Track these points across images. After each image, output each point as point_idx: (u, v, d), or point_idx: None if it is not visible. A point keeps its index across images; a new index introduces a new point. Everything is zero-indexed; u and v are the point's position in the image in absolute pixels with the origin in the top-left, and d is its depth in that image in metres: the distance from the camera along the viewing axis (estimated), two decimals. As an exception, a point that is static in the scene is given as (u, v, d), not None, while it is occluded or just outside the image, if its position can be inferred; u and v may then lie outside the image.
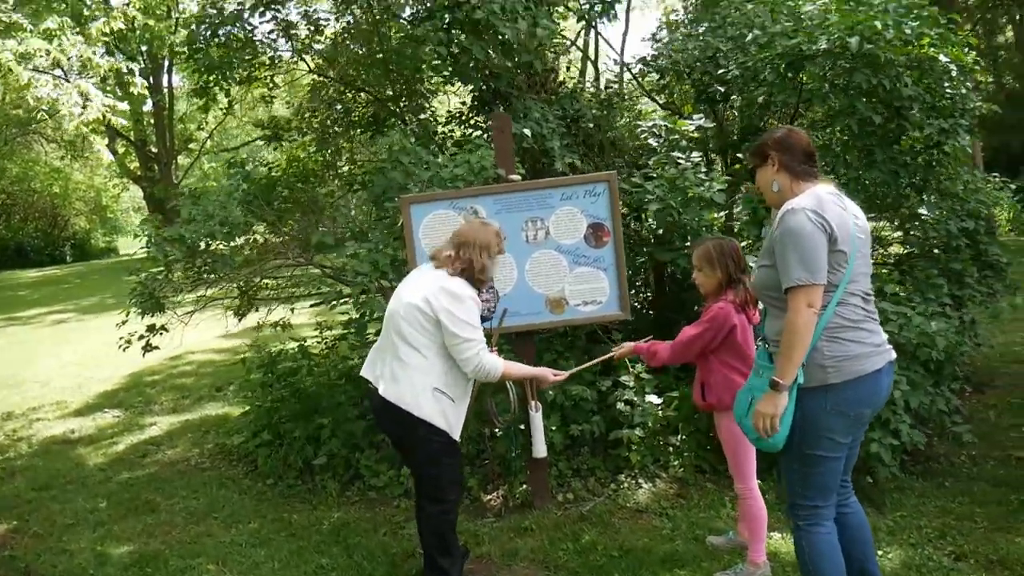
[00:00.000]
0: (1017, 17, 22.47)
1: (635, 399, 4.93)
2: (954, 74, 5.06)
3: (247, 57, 7.03)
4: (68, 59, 10.24)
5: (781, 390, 2.79)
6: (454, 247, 3.55)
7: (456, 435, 3.55)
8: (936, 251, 5.55)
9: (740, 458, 3.72)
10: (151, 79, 27.23)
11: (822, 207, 2.78)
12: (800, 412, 2.83)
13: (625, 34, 24.84)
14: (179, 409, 7.72)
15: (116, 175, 32.97)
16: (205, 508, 5.08)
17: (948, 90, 5.03)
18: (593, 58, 14.58)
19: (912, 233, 5.45)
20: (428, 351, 3.43)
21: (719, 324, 3.60)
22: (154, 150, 29.85)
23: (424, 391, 3.42)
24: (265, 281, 6.26)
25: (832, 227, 2.75)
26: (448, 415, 3.49)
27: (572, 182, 4.54)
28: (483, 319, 3.66)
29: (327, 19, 7.61)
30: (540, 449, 4.55)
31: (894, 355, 2.96)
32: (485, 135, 6.09)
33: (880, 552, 3.80)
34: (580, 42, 16.95)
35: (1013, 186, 5.77)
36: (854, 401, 2.84)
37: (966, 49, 5.19)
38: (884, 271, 5.36)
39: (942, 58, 4.95)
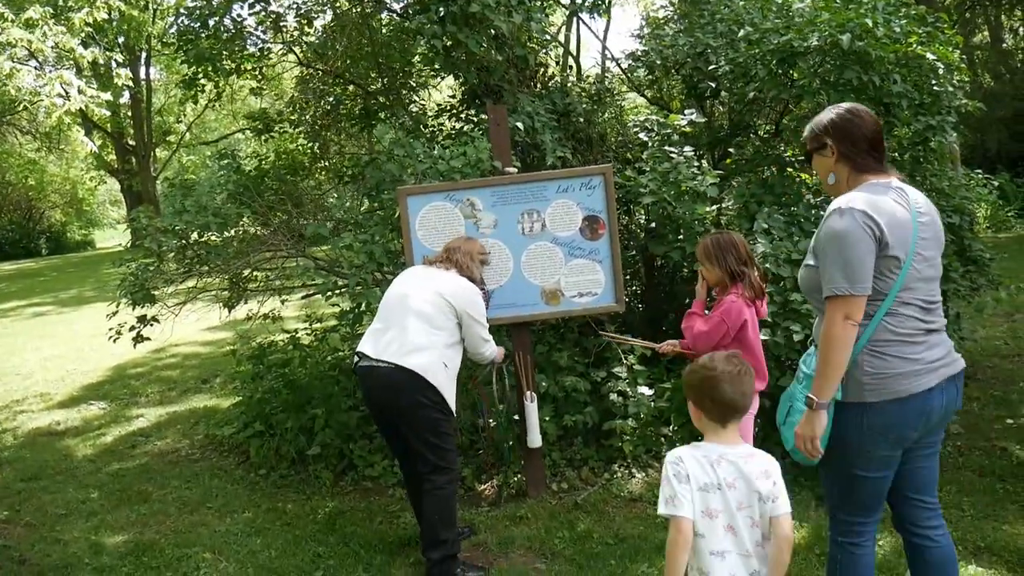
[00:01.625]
0: (992, 18, 22.81)
1: (628, 390, 4.99)
2: (940, 71, 5.15)
3: (236, 48, 7.00)
4: (49, 49, 10.15)
5: (817, 409, 2.54)
6: (444, 253, 4.09)
7: (453, 407, 3.85)
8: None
9: None
10: (128, 70, 26.94)
11: (875, 207, 2.47)
12: (835, 427, 2.57)
13: (607, 29, 24.87)
14: (166, 401, 7.70)
15: (93, 167, 32.62)
16: (198, 498, 5.08)
17: (935, 87, 5.12)
18: (575, 53, 14.61)
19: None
20: (443, 333, 3.82)
21: (733, 320, 3.56)
22: (131, 142, 29.60)
23: (438, 363, 3.75)
24: (255, 273, 6.26)
25: (883, 230, 2.45)
26: (452, 387, 3.84)
27: (568, 175, 4.58)
28: None
29: (316, 12, 7.59)
30: (535, 439, 4.59)
31: (958, 367, 2.62)
32: (476, 128, 6.12)
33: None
34: (562, 36, 17.00)
35: (996, 183, 5.86)
36: (894, 423, 2.53)
37: (951, 48, 5.28)
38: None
39: (929, 56, 5.04)
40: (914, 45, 4.94)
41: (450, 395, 3.80)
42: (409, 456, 3.94)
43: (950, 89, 5.22)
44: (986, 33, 24.00)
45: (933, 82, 5.14)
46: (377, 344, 3.80)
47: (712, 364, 2.44)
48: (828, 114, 2.72)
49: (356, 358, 3.89)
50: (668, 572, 2.34)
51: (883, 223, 2.45)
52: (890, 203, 2.51)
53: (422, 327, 3.76)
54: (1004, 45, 24.72)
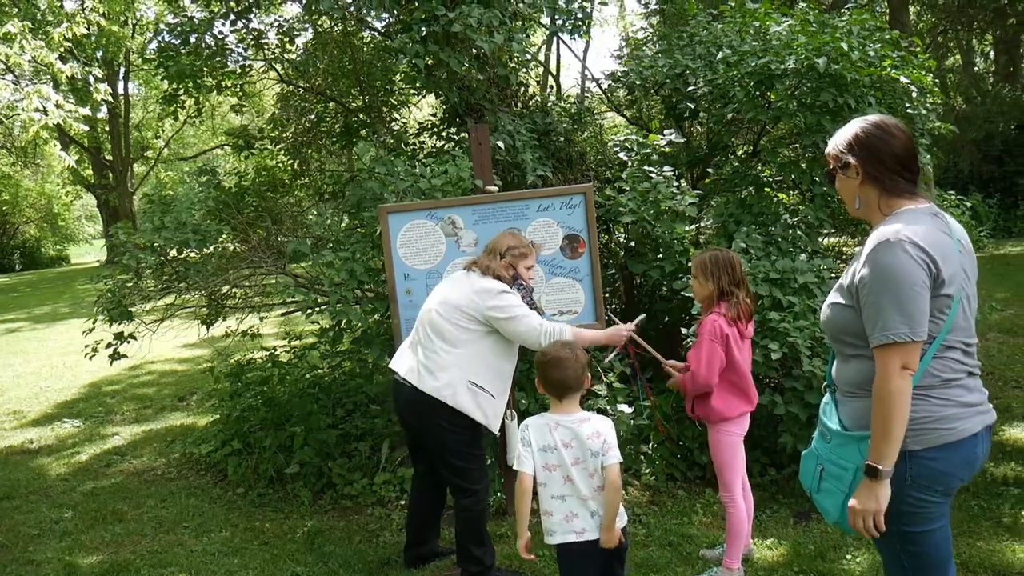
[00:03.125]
0: (964, 42, 23.26)
1: (607, 408, 5.01)
2: (914, 94, 5.26)
3: (217, 65, 7.00)
4: (26, 63, 10.08)
5: (882, 478, 2.19)
6: (485, 254, 3.95)
7: (495, 428, 3.80)
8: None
9: (725, 470, 3.76)
10: (107, 85, 26.81)
11: (928, 239, 2.19)
12: None
13: (586, 50, 25.12)
14: (141, 419, 7.61)
15: (69, 182, 32.36)
16: (174, 517, 5.03)
17: (908, 110, 5.22)
18: (555, 73, 14.75)
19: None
20: (464, 348, 3.67)
21: (716, 336, 3.58)
22: (109, 157, 29.41)
23: (460, 383, 3.63)
24: (234, 290, 6.23)
25: (938, 266, 2.17)
26: (484, 408, 3.71)
27: (549, 194, 4.61)
28: None
29: (298, 30, 7.62)
30: (515, 457, 4.58)
31: (993, 416, 2.35)
32: (457, 147, 6.15)
33: (848, 556, 3.92)
34: (541, 56, 17.13)
35: (968, 203, 5.97)
36: (941, 473, 2.25)
37: (924, 72, 5.39)
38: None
39: (903, 79, 5.14)
40: (888, 69, 5.05)
41: (483, 416, 3.67)
42: (433, 473, 3.93)
43: (923, 112, 5.33)
44: (958, 56, 24.48)
45: (907, 105, 5.24)
46: (402, 360, 3.80)
47: (548, 350, 3.08)
48: (852, 129, 2.41)
49: (392, 371, 3.87)
50: (516, 512, 3.06)
51: (938, 257, 2.17)
52: (939, 234, 2.24)
53: (438, 345, 3.68)
54: (975, 68, 25.22)
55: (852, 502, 2.27)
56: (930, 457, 2.23)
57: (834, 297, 2.42)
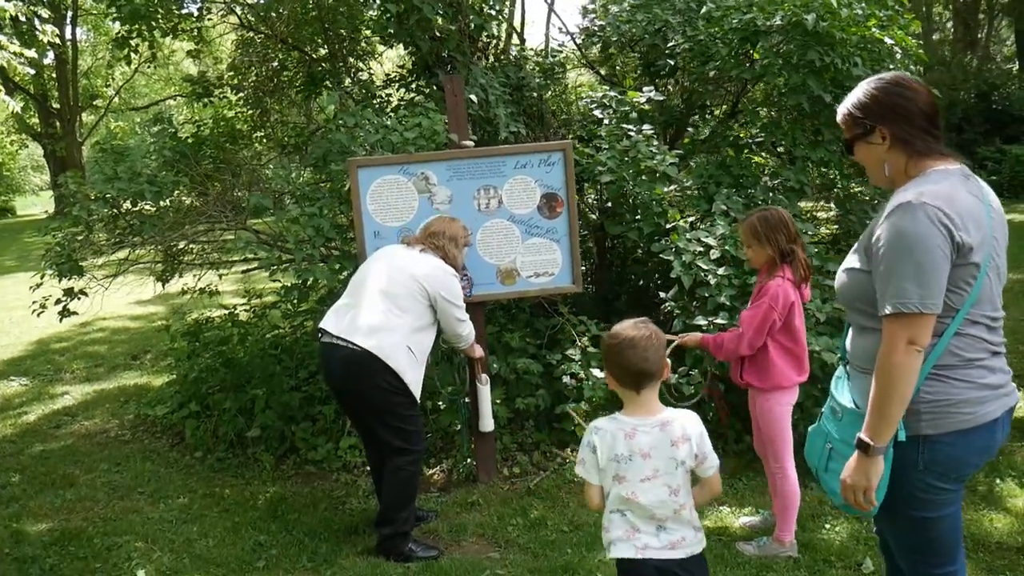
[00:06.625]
0: (924, 7, 23.34)
1: (581, 372, 4.88)
2: (899, 57, 5.13)
3: (173, 7, 6.60)
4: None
5: (873, 454, 2.08)
6: (426, 236, 3.91)
7: (417, 393, 3.72)
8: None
9: (775, 439, 3.56)
10: (54, 28, 25.76)
11: (952, 202, 2.02)
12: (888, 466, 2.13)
13: (551, 5, 24.68)
14: (93, 378, 7.33)
15: (14, 131, 31.16)
16: (129, 482, 4.81)
17: (892, 71, 5.10)
18: (519, 28, 14.42)
19: (850, 216, 5.52)
20: (408, 316, 3.67)
21: (781, 305, 3.36)
22: (56, 105, 28.35)
23: (400, 346, 3.61)
24: (191, 245, 5.95)
25: (963, 232, 2.00)
26: (416, 373, 3.70)
27: (527, 150, 4.42)
28: None
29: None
30: (487, 423, 4.46)
31: (1016, 398, 2.19)
32: (428, 99, 5.90)
33: (827, 526, 3.86)
34: (506, 10, 16.73)
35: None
36: (956, 459, 2.11)
37: (909, 33, 5.27)
38: (820, 248, 5.44)
39: (887, 40, 5.01)
40: (873, 28, 4.91)
41: (413, 380, 3.67)
42: (372, 437, 3.84)
43: (908, 74, 5.21)
44: (918, 25, 24.62)
45: (891, 67, 5.11)
46: (340, 321, 3.68)
47: (617, 331, 2.45)
48: (867, 89, 2.22)
49: (319, 334, 3.76)
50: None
51: (964, 222, 2.00)
52: (967, 197, 2.06)
53: (387, 307, 3.64)
54: (934, 37, 25.37)
55: (843, 475, 2.15)
56: (947, 443, 2.09)
57: (850, 261, 2.24)
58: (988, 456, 2.19)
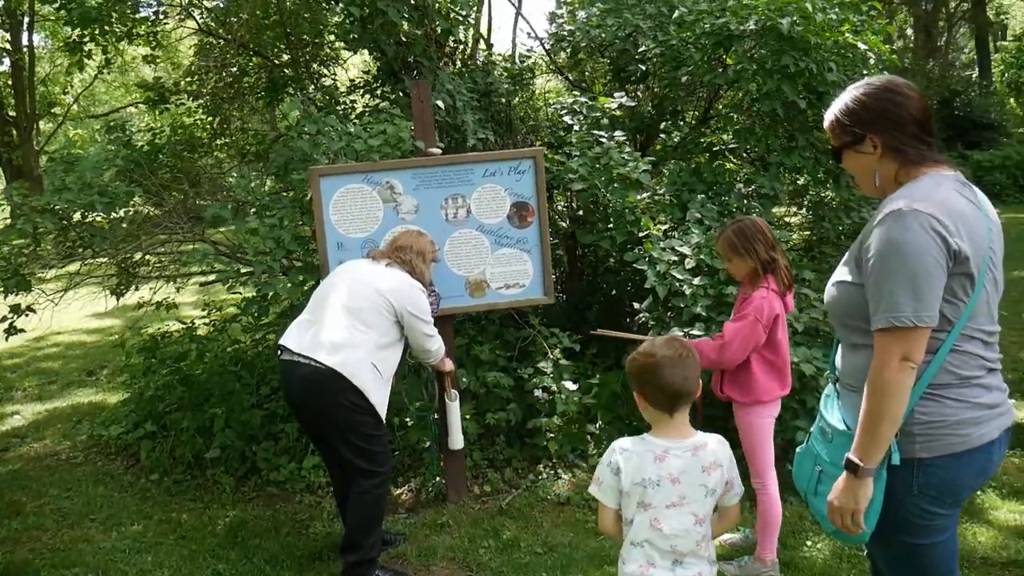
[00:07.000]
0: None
1: (553, 386, 4.73)
2: (872, 62, 5.07)
3: (128, 10, 6.38)
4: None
5: (862, 476, 1.96)
6: (392, 250, 3.75)
7: (383, 413, 3.53)
8: (843, 238, 5.59)
9: (757, 453, 3.44)
10: (9, 36, 25.21)
11: (946, 208, 1.90)
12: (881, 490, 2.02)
13: (519, 5, 24.61)
14: (45, 396, 7.03)
15: (-33, 139, 30.33)
16: (80, 509, 4.56)
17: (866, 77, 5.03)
18: (486, 34, 14.31)
19: (825, 223, 5.43)
20: (373, 332, 3.49)
21: (767, 317, 3.24)
22: (12, 113, 27.65)
23: (365, 363, 3.44)
24: (147, 257, 5.71)
25: (959, 240, 1.88)
26: (381, 391, 3.51)
27: (496, 158, 4.27)
28: None
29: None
30: (457, 440, 4.29)
31: (1012, 417, 2.07)
32: (394, 106, 5.74)
33: (808, 543, 3.75)
34: (472, 15, 16.61)
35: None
36: (951, 483, 1.99)
37: (881, 38, 5.22)
38: (794, 255, 5.36)
39: (861, 45, 4.94)
40: (846, 34, 4.84)
41: (378, 399, 3.48)
42: (336, 458, 3.65)
43: (881, 80, 5.15)
44: (893, 28, 24.95)
45: (865, 73, 5.05)
46: (301, 337, 3.49)
47: (652, 349, 2.28)
48: (855, 95, 2.11)
49: (279, 351, 3.57)
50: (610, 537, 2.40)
51: (958, 230, 1.89)
52: (962, 203, 1.95)
53: (350, 323, 3.46)
54: (896, 45, 25.70)
55: (830, 496, 2.03)
56: (942, 466, 1.97)
57: (840, 274, 2.12)
58: (984, 478, 2.07)
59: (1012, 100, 25.15)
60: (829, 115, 2.19)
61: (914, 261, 1.87)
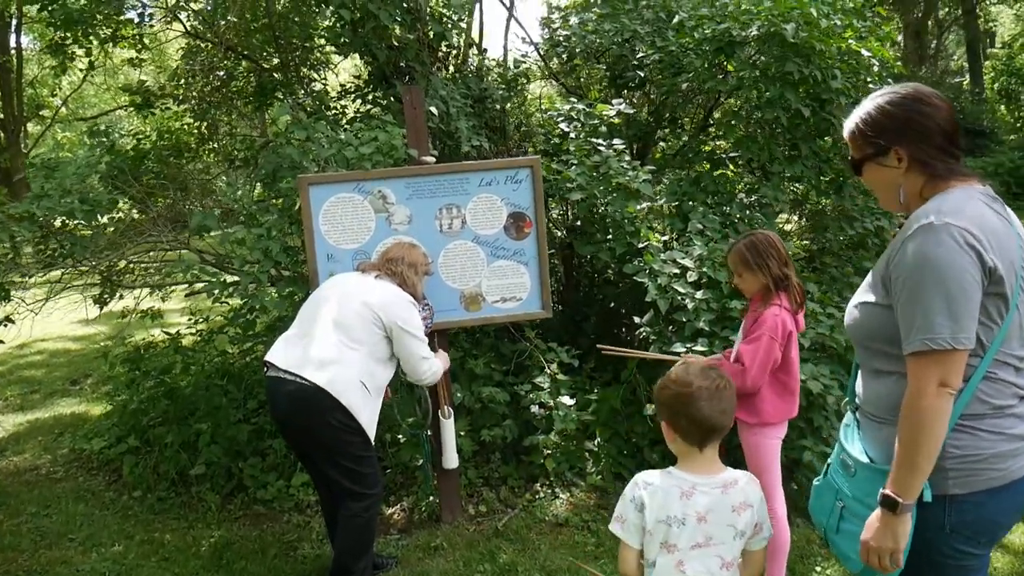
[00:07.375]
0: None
1: (550, 401, 4.59)
2: (876, 69, 4.96)
3: (112, 12, 6.21)
4: None
5: (901, 513, 1.80)
6: (383, 262, 3.61)
7: (372, 433, 3.38)
8: (844, 248, 5.48)
9: (763, 476, 3.18)
10: (-4, 37, 24.95)
11: (979, 222, 1.77)
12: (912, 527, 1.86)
13: (511, 10, 24.47)
14: (27, 406, 6.85)
15: (-47, 142, 30.01)
16: (59, 528, 4.39)
17: (870, 86, 4.92)
18: (478, 39, 14.17)
19: (827, 233, 5.31)
20: (362, 348, 3.35)
21: (781, 336, 3.10)
22: (-1, 115, 27.38)
23: (354, 381, 3.30)
24: (131, 265, 5.55)
25: (993, 256, 1.75)
26: (370, 409, 3.37)
27: (492, 166, 4.12)
28: None
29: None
30: (451, 459, 4.14)
31: None
32: (385, 112, 5.59)
33: (818, 568, 3.61)
34: (465, 19, 16.49)
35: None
36: (987, 521, 1.85)
37: (887, 44, 5.11)
38: (795, 265, 5.24)
39: (864, 52, 4.84)
40: (850, 40, 4.73)
41: (367, 419, 3.33)
42: (324, 478, 3.50)
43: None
44: (896, 34, 24.95)
45: (868, 80, 4.94)
46: (288, 354, 3.34)
47: (687, 379, 2.12)
48: (880, 104, 1.96)
49: (264, 367, 3.41)
50: None
51: (992, 245, 1.75)
52: (994, 218, 1.82)
53: (340, 339, 3.31)
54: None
55: (864, 535, 1.87)
56: (976, 502, 1.83)
57: (863, 295, 1.98)
58: (1020, 515, 1.91)
59: (1003, 107, 25.17)
60: (849, 124, 2.05)
61: (949, 278, 1.73)
